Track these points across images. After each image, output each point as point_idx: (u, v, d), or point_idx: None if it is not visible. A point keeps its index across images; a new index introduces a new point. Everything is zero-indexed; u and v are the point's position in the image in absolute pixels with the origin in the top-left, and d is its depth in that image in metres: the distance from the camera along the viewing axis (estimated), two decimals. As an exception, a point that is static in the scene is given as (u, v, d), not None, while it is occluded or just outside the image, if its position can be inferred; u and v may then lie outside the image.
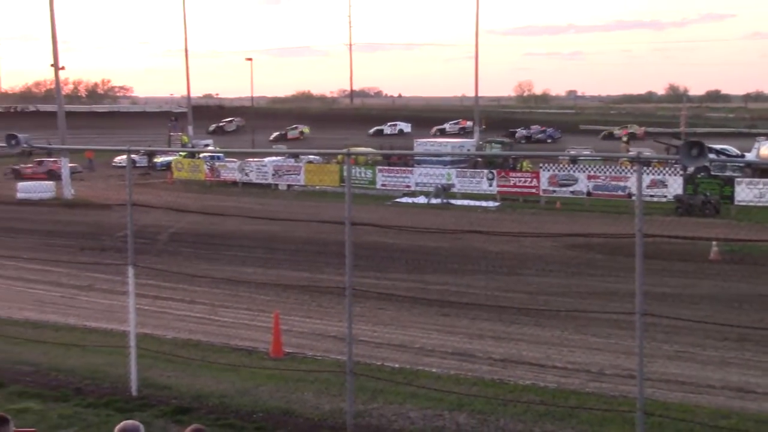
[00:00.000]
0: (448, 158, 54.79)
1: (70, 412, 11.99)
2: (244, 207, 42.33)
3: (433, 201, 46.65)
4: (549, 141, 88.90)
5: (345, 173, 12.86)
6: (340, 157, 53.14)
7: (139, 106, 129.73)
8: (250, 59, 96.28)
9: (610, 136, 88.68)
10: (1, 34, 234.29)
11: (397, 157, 58.87)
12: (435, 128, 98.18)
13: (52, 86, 65.58)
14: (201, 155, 60.57)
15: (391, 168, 53.56)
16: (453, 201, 46.86)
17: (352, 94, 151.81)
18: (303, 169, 54.85)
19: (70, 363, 14.52)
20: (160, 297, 22.02)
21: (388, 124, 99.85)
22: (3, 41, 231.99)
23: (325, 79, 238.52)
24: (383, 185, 51.67)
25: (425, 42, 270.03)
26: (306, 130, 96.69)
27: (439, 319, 20.31)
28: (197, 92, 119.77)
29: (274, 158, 57.07)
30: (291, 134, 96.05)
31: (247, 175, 55.73)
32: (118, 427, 6.53)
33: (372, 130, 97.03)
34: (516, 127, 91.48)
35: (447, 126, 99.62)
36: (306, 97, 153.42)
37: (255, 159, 57.32)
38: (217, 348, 16.39)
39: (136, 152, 54.24)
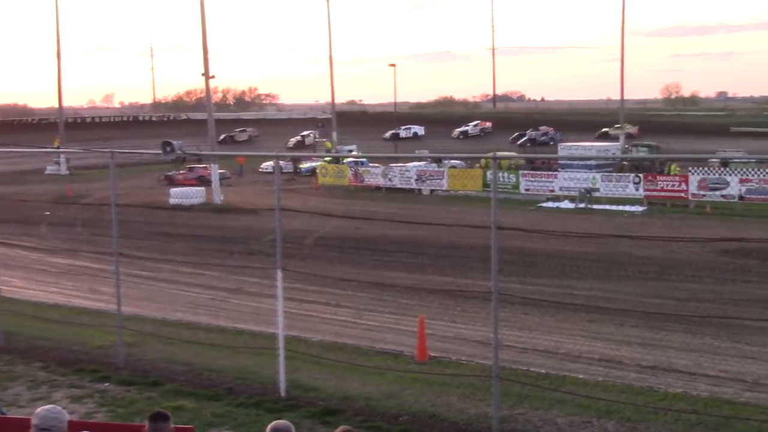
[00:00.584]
0: (593, 162, 53.88)
1: (223, 411, 12.32)
2: (388, 212, 42.68)
3: (579, 206, 45.98)
4: (551, 143, 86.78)
5: (490, 177, 12.79)
6: (483, 161, 52.94)
7: (284, 113, 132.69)
8: (393, 65, 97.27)
9: (605, 136, 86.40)
10: (156, 46, 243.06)
11: (540, 161, 58.21)
12: (456, 131, 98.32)
13: (203, 95, 67.78)
14: (345, 161, 61.34)
15: (535, 172, 53.02)
16: (597, 205, 46.07)
17: (495, 98, 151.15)
18: (446, 173, 54.92)
19: (221, 363, 14.91)
20: (306, 300, 22.37)
21: (403, 127, 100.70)
22: (158, 53, 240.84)
23: (468, 83, 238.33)
24: (527, 190, 51.23)
25: (569, 45, 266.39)
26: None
27: (585, 324, 19.99)
28: (341, 98, 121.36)
29: (417, 163, 57.29)
30: (308, 140, 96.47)
31: (390, 180, 56.15)
32: (269, 426, 6.66)
33: (388, 134, 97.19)
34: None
35: (469, 128, 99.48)
36: (448, 102, 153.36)
37: (398, 164, 57.69)
38: (362, 351, 16.53)
39: (284, 158, 55.46)
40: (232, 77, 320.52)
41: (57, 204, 45.02)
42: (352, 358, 15.36)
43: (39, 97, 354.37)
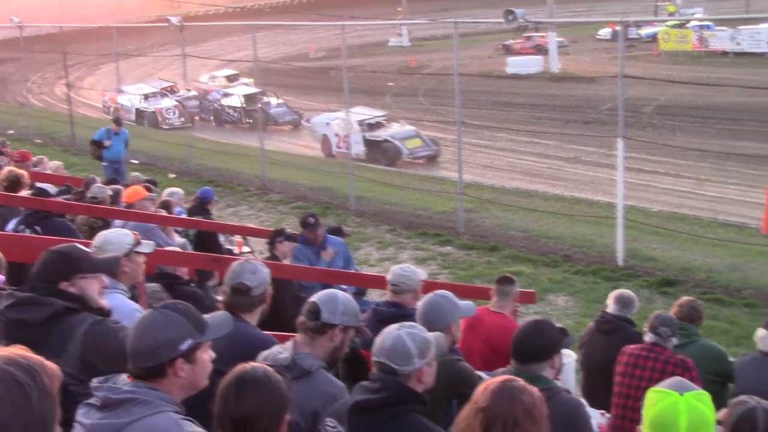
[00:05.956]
0: None
1: (560, 278, 12.56)
2: (736, 78, 40.28)
3: None
4: None
5: None
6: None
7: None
8: None
9: None
10: None
11: None
12: None
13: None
14: (689, 24, 58.29)
15: None
16: None
17: None
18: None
19: (558, 231, 15.11)
20: (644, 170, 21.90)
21: None
22: None
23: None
24: None
25: None
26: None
27: None
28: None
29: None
30: None
31: (738, 44, 52.71)
32: (613, 294, 6.91)
33: None
34: None
35: None
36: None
37: (748, 27, 53.91)
38: (704, 222, 16.07)
39: (628, 24, 53.70)
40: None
41: (400, 74, 46.63)
42: (693, 229, 15.01)
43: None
